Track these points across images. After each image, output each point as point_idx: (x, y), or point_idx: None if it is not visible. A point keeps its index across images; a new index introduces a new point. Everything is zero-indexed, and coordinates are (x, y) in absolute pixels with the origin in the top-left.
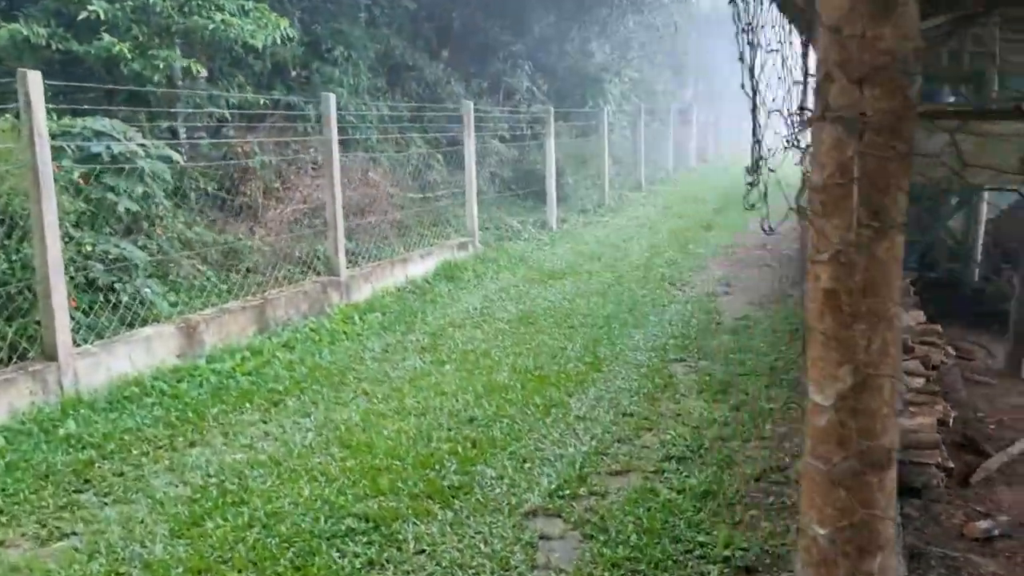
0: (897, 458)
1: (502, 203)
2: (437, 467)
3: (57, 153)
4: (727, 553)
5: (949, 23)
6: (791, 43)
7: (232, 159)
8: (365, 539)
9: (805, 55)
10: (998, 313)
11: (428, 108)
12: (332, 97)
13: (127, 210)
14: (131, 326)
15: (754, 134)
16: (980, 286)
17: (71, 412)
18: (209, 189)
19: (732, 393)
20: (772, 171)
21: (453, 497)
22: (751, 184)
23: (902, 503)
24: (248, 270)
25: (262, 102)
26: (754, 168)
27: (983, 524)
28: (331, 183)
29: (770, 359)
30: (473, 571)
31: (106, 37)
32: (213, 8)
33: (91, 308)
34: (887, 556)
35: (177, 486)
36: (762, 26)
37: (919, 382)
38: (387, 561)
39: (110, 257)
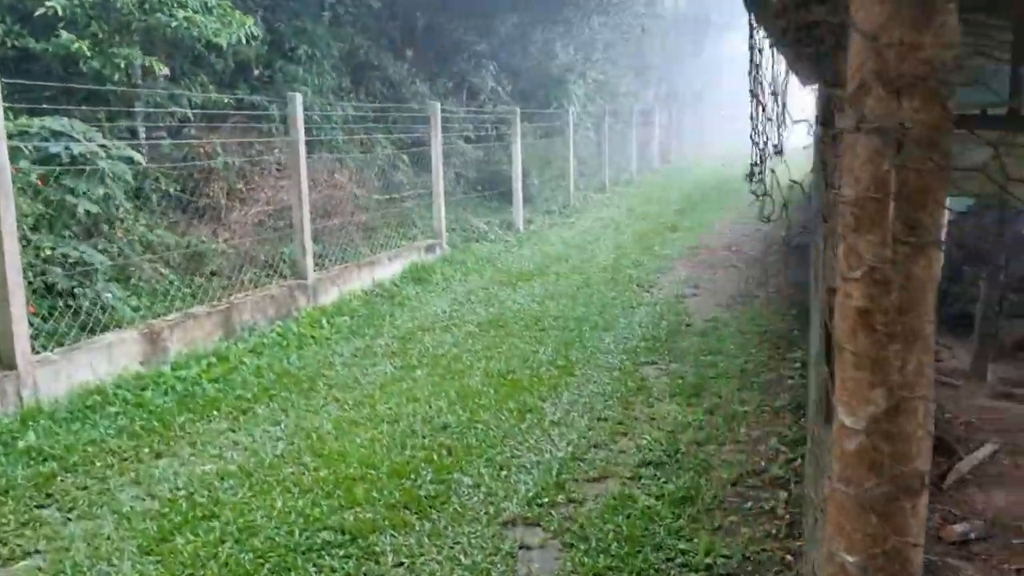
0: None
1: (468, 204)
2: (413, 476)
3: (14, 154)
4: (709, 561)
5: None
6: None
7: (194, 160)
8: (342, 552)
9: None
10: (962, 315)
11: (393, 108)
12: (299, 97)
13: (87, 212)
14: (92, 332)
15: (754, 144)
16: (944, 288)
17: (31, 423)
18: (171, 190)
19: (705, 396)
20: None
21: (430, 507)
22: (757, 194)
23: None
24: (213, 273)
25: (226, 101)
26: (751, 177)
27: (960, 527)
28: (298, 185)
29: (740, 361)
30: None
31: (64, 34)
32: (175, 5)
33: (50, 314)
34: None
35: (144, 500)
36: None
37: None
38: (365, 575)
39: (70, 261)
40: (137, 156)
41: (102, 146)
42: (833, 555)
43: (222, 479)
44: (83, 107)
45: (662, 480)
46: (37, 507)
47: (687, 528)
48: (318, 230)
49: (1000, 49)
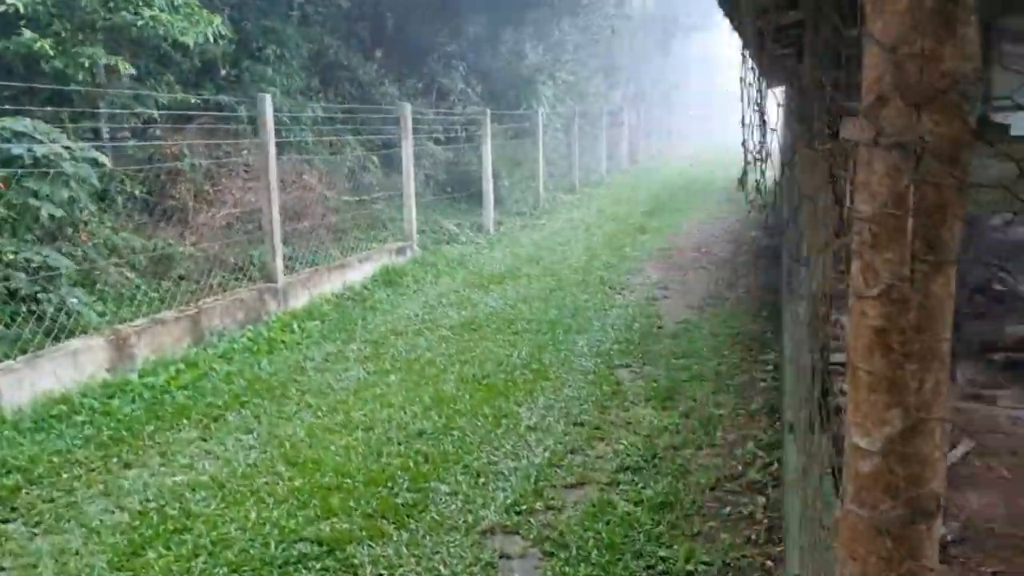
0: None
1: (438, 206)
2: (389, 484)
3: None
4: (690, 568)
5: None
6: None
7: (161, 161)
8: (319, 565)
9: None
10: None
11: (363, 109)
12: (268, 98)
13: (51, 216)
14: (57, 339)
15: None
16: None
17: None
18: (137, 192)
19: (680, 399)
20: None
21: (408, 516)
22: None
23: None
24: (181, 277)
25: (192, 102)
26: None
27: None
28: (268, 187)
29: (713, 364)
30: None
31: (26, 32)
32: (141, 4)
33: (13, 320)
34: None
35: (113, 512)
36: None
37: None
38: None
39: (33, 265)
40: (102, 158)
41: (66, 148)
42: None
43: (194, 490)
44: (46, 108)
45: (640, 486)
46: (1, 522)
47: (667, 535)
48: (288, 232)
49: None
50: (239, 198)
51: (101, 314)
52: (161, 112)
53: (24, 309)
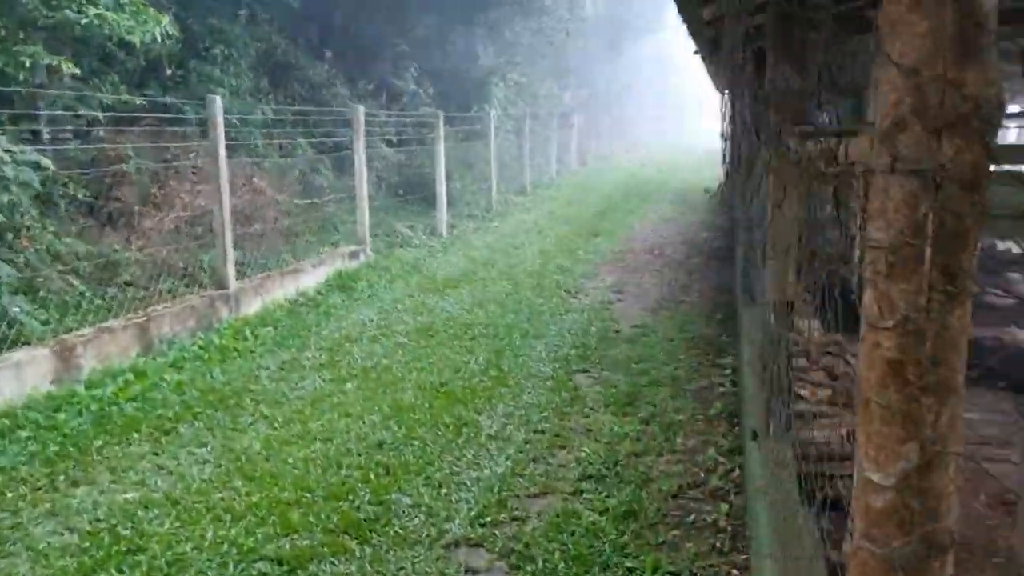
0: (812, 471)
1: (390, 208)
2: (350, 497)
3: None
4: None
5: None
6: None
7: (104, 163)
8: None
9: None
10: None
11: (314, 111)
12: (218, 100)
13: None
14: None
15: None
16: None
17: None
18: (81, 196)
19: (639, 405)
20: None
21: (370, 530)
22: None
23: (818, 517)
24: (128, 284)
25: (139, 102)
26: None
27: None
28: (219, 190)
29: (671, 368)
30: None
31: None
32: (85, 2)
33: None
34: None
35: (62, 534)
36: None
37: (826, 393)
38: None
39: None
40: (44, 161)
41: (7, 151)
42: None
43: (146, 508)
44: None
45: (604, 494)
46: None
47: (632, 544)
48: (239, 237)
49: None
50: (188, 201)
51: (45, 323)
52: (105, 113)
53: None
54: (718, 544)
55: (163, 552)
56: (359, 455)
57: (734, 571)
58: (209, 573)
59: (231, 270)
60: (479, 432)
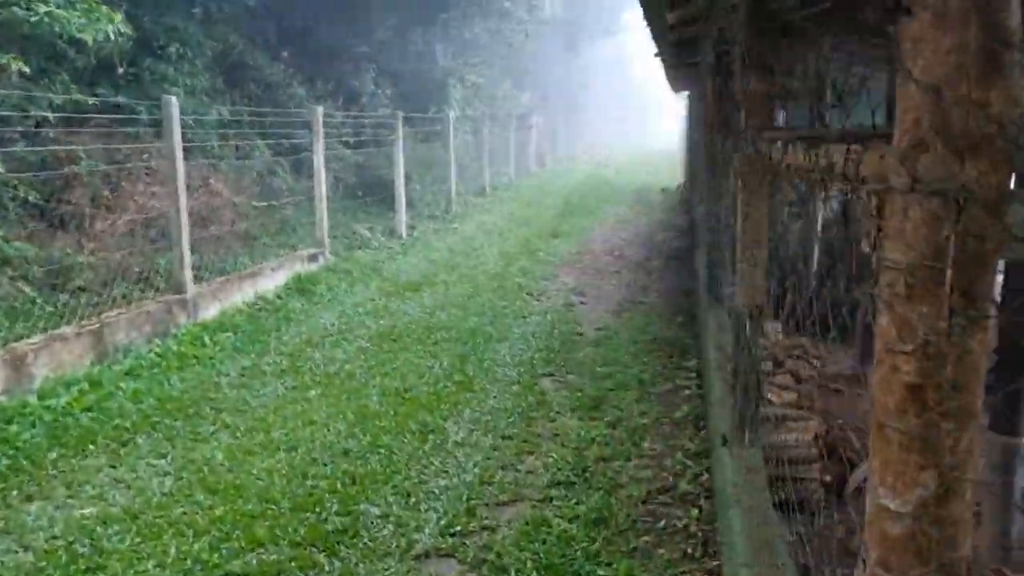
0: (779, 475)
1: (348, 210)
2: (317, 509)
3: None
4: None
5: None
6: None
7: (54, 165)
8: None
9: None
10: (836, 319)
11: (272, 111)
12: (174, 100)
13: None
14: None
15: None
16: (818, 294)
17: None
18: (30, 198)
19: (605, 409)
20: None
21: (338, 543)
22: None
23: (788, 521)
24: (81, 289)
25: (91, 102)
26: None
27: None
28: (175, 192)
29: (636, 371)
30: None
31: None
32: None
33: None
34: None
35: (17, 552)
36: None
37: (792, 396)
38: None
39: None
40: None
41: None
42: None
43: (105, 524)
44: None
45: (574, 501)
46: None
47: (604, 552)
48: (195, 240)
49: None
50: (142, 204)
51: None
52: (55, 114)
53: None
54: (690, 550)
55: (124, 570)
56: (325, 464)
57: None
58: None
59: (188, 274)
60: (446, 439)
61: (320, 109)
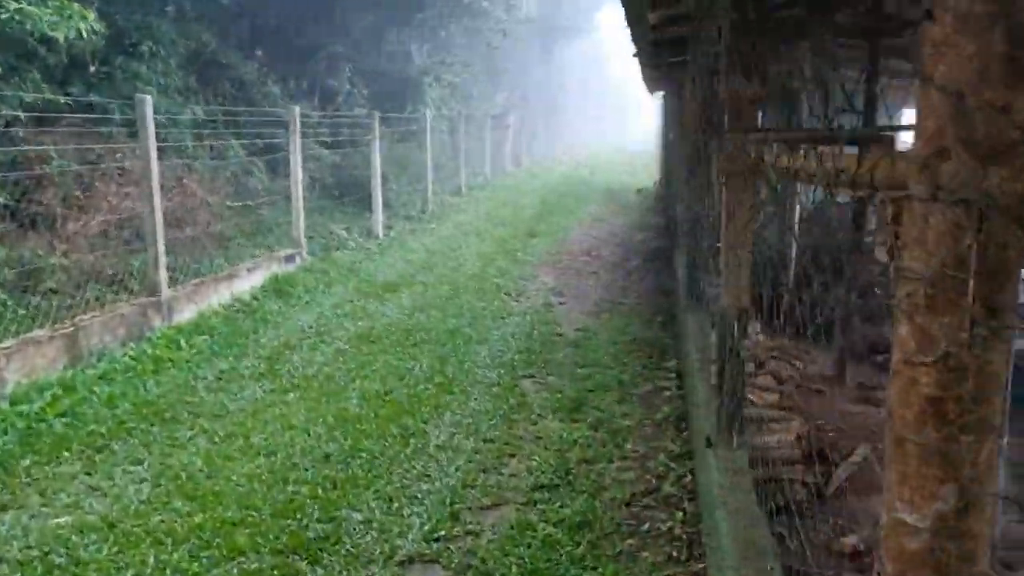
0: (763, 476)
1: (325, 210)
2: (298, 515)
3: None
4: None
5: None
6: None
7: (24, 165)
8: None
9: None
10: (814, 320)
11: (247, 111)
12: (148, 99)
13: None
14: None
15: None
16: (796, 294)
17: None
18: (1, 199)
19: (586, 411)
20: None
21: (320, 550)
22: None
23: (773, 523)
24: (53, 291)
25: (63, 101)
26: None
27: (851, 539)
28: (150, 193)
29: (616, 372)
30: None
31: None
32: None
33: None
34: None
35: None
36: None
37: (773, 397)
38: None
39: None
40: None
41: None
42: None
43: (81, 533)
44: None
45: (558, 504)
46: None
47: (589, 555)
48: (170, 241)
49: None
50: (115, 204)
51: None
52: (26, 113)
53: None
54: (675, 553)
55: None
56: (305, 469)
57: None
58: None
59: (163, 276)
60: (427, 442)
61: (297, 108)
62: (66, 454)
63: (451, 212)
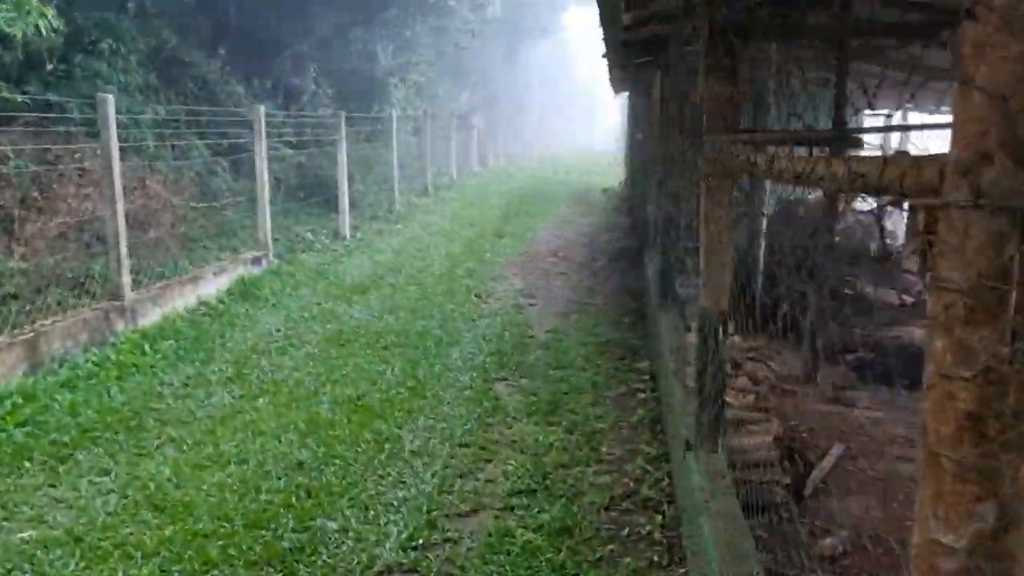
0: (741, 478)
1: (290, 212)
2: (272, 526)
3: None
4: None
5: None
6: None
7: None
8: None
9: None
10: (784, 319)
11: (211, 110)
12: (110, 98)
13: None
14: None
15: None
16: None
17: None
18: None
19: (561, 414)
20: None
21: (296, 561)
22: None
23: (751, 525)
24: (12, 296)
25: (19, 100)
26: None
27: (830, 541)
28: (111, 194)
29: (589, 374)
30: None
31: None
32: None
33: None
34: None
35: None
36: None
37: (750, 399)
38: None
39: None
40: None
41: None
42: None
43: (46, 548)
44: None
45: (536, 510)
46: None
47: (570, 562)
48: (133, 243)
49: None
50: (74, 206)
51: None
52: None
53: None
54: (655, 558)
55: None
56: (278, 478)
57: None
58: None
59: (126, 279)
60: (402, 448)
61: (262, 108)
62: (28, 465)
63: (418, 213)
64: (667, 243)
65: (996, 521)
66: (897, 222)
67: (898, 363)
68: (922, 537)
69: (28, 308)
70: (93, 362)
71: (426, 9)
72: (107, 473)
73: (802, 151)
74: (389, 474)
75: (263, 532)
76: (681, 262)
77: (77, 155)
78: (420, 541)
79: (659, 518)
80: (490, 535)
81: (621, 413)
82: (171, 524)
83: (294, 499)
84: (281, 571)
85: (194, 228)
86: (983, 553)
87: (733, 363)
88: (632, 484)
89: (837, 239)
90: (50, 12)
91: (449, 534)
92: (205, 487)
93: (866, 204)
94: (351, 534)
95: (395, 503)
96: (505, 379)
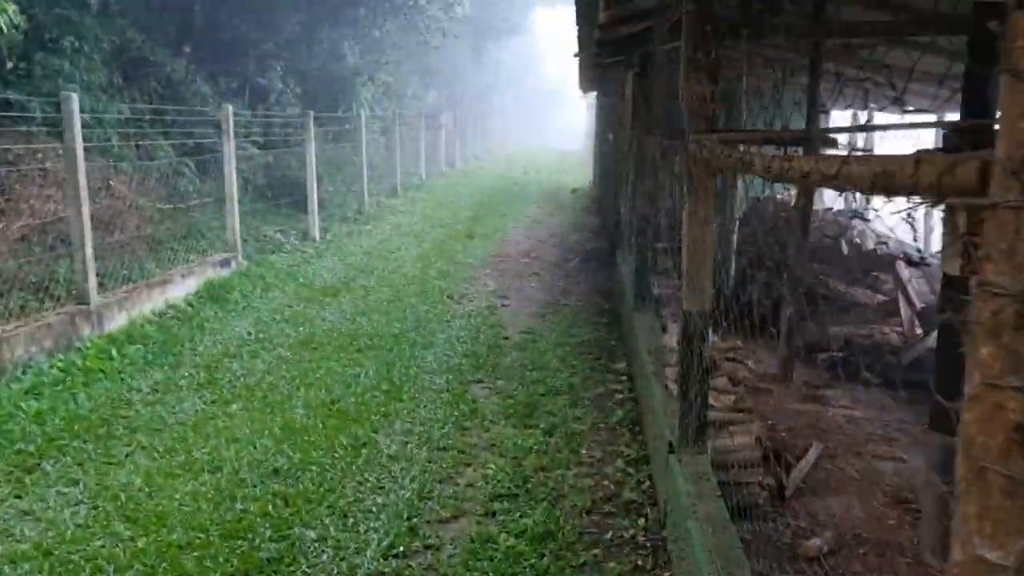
0: (723, 479)
1: (258, 213)
2: (249, 535)
3: None
4: None
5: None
6: None
7: None
8: None
9: None
10: (758, 318)
11: (176, 110)
12: (74, 97)
13: None
14: None
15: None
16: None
17: None
18: None
19: (539, 416)
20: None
21: (274, 572)
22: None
23: (736, 527)
24: None
25: None
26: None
27: (814, 542)
28: (76, 195)
29: (566, 376)
30: None
31: None
32: None
33: None
34: None
35: None
36: None
37: (730, 399)
38: None
39: None
40: None
41: None
42: None
43: (13, 563)
44: None
45: (517, 515)
46: None
47: (553, 567)
48: (98, 246)
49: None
50: (37, 207)
51: None
52: None
53: None
54: (640, 562)
55: None
56: (253, 485)
57: None
58: None
59: (92, 283)
60: (379, 453)
61: (230, 108)
62: None
63: (388, 213)
64: (643, 243)
65: None
66: (876, 223)
67: (871, 362)
68: (965, 554)
69: None
70: (59, 368)
71: (395, 8)
72: (76, 483)
73: (771, 150)
74: (367, 480)
75: (239, 542)
76: (656, 263)
77: (39, 155)
78: (401, 549)
79: (642, 521)
80: (472, 541)
81: (599, 414)
82: (144, 535)
83: (271, 507)
84: None
85: (161, 230)
86: None
87: (712, 363)
88: (613, 487)
89: (810, 239)
90: (11, 7)
91: (431, 541)
92: (178, 496)
93: (840, 203)
94: (330, 543)
95: (374, 510)
96: (481, 381)
